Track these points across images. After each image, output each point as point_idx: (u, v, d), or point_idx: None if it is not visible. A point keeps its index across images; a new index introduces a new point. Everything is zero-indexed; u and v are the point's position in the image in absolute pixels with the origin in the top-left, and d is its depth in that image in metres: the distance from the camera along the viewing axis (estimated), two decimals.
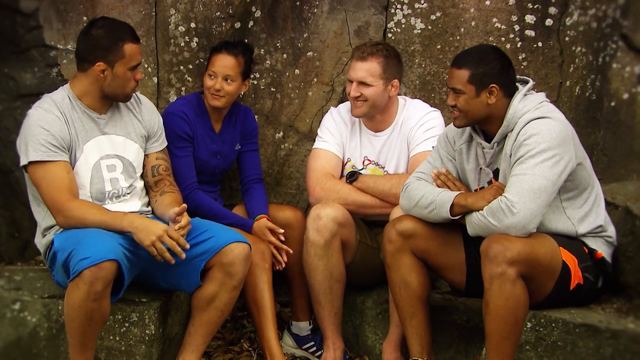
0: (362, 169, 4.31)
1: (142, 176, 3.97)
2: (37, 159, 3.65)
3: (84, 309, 3.41)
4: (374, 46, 4.20)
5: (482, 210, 3.52)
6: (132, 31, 3.81)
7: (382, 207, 4.22)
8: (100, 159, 3.83)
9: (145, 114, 3.97)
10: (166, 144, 4.06)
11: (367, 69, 4.16)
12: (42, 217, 3.78)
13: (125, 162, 3.89)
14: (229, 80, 4.21)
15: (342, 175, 4.33)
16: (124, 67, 3.74)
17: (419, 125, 4.23)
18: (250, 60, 4.31)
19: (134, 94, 3.96)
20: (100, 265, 3.37)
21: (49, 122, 3.69)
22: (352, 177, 4.24)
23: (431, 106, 4.38)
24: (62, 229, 3.68)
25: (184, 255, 3.63)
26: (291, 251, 4.19)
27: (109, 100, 3.84)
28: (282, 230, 4.19)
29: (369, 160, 4.31)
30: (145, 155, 3.97)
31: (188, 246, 3.64)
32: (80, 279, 3.38)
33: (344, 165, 4.35)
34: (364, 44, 4.30)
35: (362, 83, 4.16)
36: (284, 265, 4.19)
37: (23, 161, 3.70)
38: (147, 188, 3.98)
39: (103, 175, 3.82)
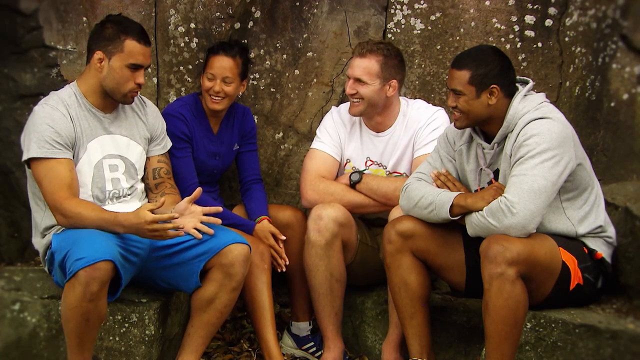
0: (365, 169, 4.30)
1: (143, 178, 3.97)
2: (39, 155, 3.65)
3: (80, 310, 3.40)
4: (376, 44, 4.19)
5: (481, 210, 3.52)
6: (140, 31, 3.79)
7: (375, 205, 4.22)
8: (103, 158, 3.83)
9: (150, 116, 3.97)
10: (168, 148, 4.06)
11: (364, 67, 4.15)
12: (41, 216, 3.77)
13: (128, 163, 3.88)
14: (227, 82, 4.21)
15: (338, 175, 4.33)
16: (121, 62, 3.73)
17: (426, 124, 4.22)
18: (247, 61, 4.31)
19: (139, 97, 3.96)
20: (95, 266, 3.37)
21: (55, 119, 3.69)
22: (357, 178, 4.23)
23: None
24: (60, 230, 3.68)
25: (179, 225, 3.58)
26: (287, 261, 4.18)
27: (112, 100, 3.83)
28: (284, 238, 4.19)
29: (371, 161, 4.31)
30: (147, 158, 3.97)
31: (176, 215, 3.58)
32: (75, 279, 3.38)
33: (343, 166, 4.35)
34: (366, 41, 4.29)
35: (358, 80, 4.16)
36: (284, 268, 4.19)
37: (25, 156, 3.69)
38: (147, 190, 3.98)
39: (104, 175, 3.82)
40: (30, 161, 3.68)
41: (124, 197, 3.87)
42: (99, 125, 3.81)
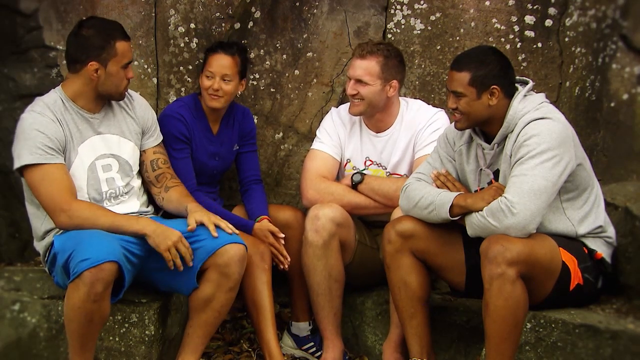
0: (364, 169, 4.31)
1: (142, 173, 3.96)
2: (34, 161, 3.64)
3: (83, 310, 3.41)
4: (376, 45, 4.19)
5: (481, 211, 3.52)
6: (121, 29, 3.80)
7: (376, 207, 4.22)
8: (96, 159, 3.82)
9: (138, 110, 3.96)
10: (162, 138, 4.06)
11: (365, 68, 4.16)
12: (42, 221, 3.76)
13: (121, 161, 3.88)
14: (226, 80, 4.21)
15: (339, 177, 4.34)
16: (116, 65, 3.73)
17: (427, 125, 4.22)
18: (245, 60, 4.31)
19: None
20: (101, 267, 3.37)
21: (44, 125, 3.68)
22: (359, 179, 4.23)
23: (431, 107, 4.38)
24: (61, 231, 3.67)
25: (191, 264, 3.67)
26: (289, 259, 4.18)
27: (103, 100, 3.83)
28: (283, 235, 4.19)
29: (370, 160, 4.31)
30: (143, 152, 3.97)
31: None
32: (80, 280, 3.38)
33: (344, 166, 4.35)
34: (366, 42, 4.30)
35: (359, 81, 4.16)
36: (287, 266, 4.19)
37: (17, 164, 3.68)
38: (149, 184, 3.97)
39: (99, 176, 3.81)
40: (24, 169, 3.67)
41: (121, 196, 3.86)
42: (88, 127, 3.81)
